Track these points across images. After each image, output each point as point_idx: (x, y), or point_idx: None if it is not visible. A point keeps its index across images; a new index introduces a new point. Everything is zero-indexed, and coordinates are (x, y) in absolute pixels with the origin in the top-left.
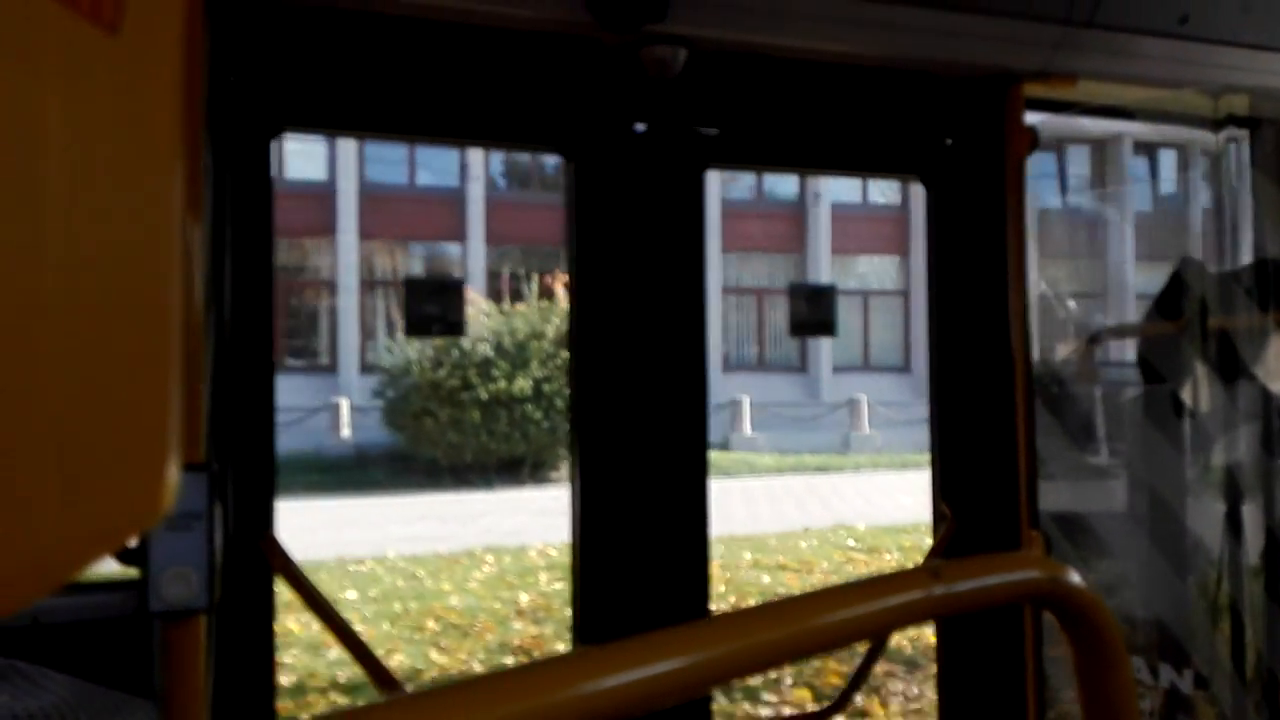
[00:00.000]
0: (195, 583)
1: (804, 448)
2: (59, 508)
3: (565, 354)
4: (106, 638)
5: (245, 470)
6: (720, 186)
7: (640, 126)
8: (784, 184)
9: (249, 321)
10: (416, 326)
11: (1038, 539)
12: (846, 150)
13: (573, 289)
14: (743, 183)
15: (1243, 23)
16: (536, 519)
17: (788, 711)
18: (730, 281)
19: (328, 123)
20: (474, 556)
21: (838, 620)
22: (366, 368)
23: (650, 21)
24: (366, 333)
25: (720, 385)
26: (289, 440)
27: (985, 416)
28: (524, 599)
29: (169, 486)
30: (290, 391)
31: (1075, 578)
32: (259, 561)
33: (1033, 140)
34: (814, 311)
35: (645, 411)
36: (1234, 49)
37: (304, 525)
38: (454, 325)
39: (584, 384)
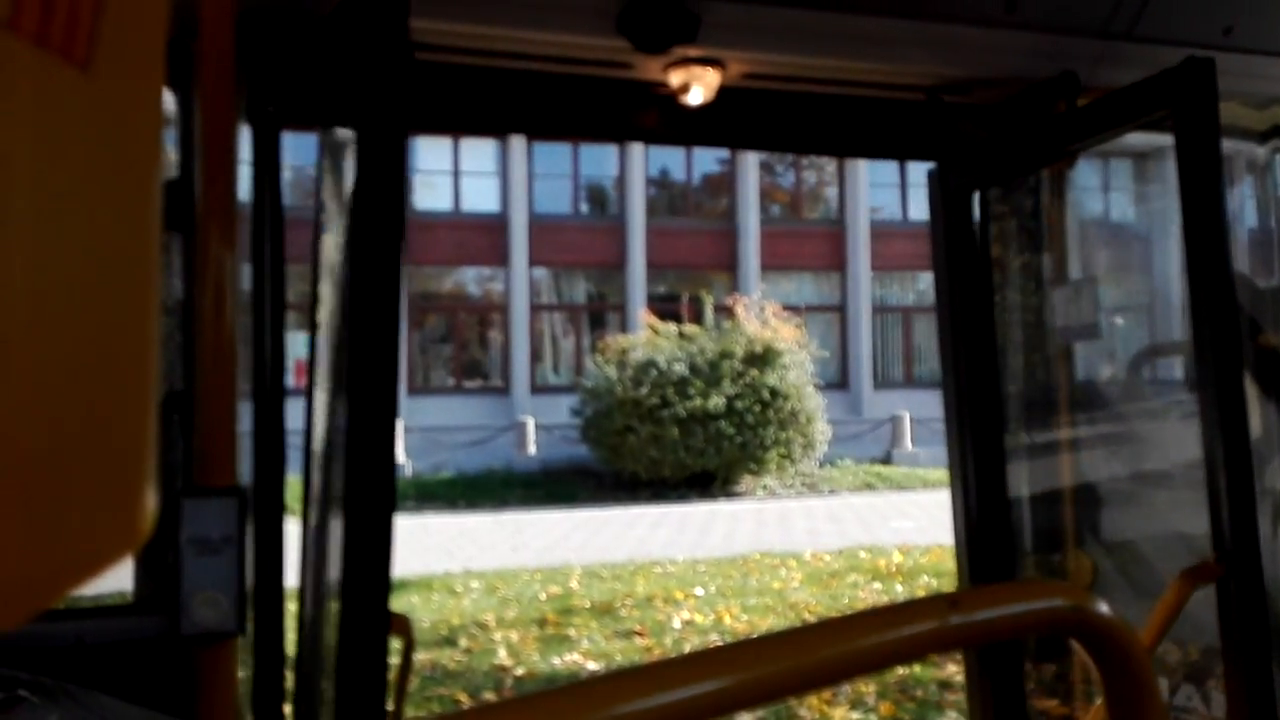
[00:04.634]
0: (226, 606)
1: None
2: (23, 539)
3: (754, 372)
4: (150, 659)
5: (362, 528)
6: (758, 207)
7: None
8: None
9: (367, 351)
10: None
11: (1084, 559)
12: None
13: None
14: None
15: None
16: (767, 530)
17: None
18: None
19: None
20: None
21: (849, 651)
22: (537, 388)
23: (680, 43)
24: (535, 355)
25: None
26: (479, 458)
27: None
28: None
29: (145, 515)
30: (468, 412)
31: (1102, 606)
32: (375, 620)
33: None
34: (1078, 314)
35: None
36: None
37: (553, 534)
38: None
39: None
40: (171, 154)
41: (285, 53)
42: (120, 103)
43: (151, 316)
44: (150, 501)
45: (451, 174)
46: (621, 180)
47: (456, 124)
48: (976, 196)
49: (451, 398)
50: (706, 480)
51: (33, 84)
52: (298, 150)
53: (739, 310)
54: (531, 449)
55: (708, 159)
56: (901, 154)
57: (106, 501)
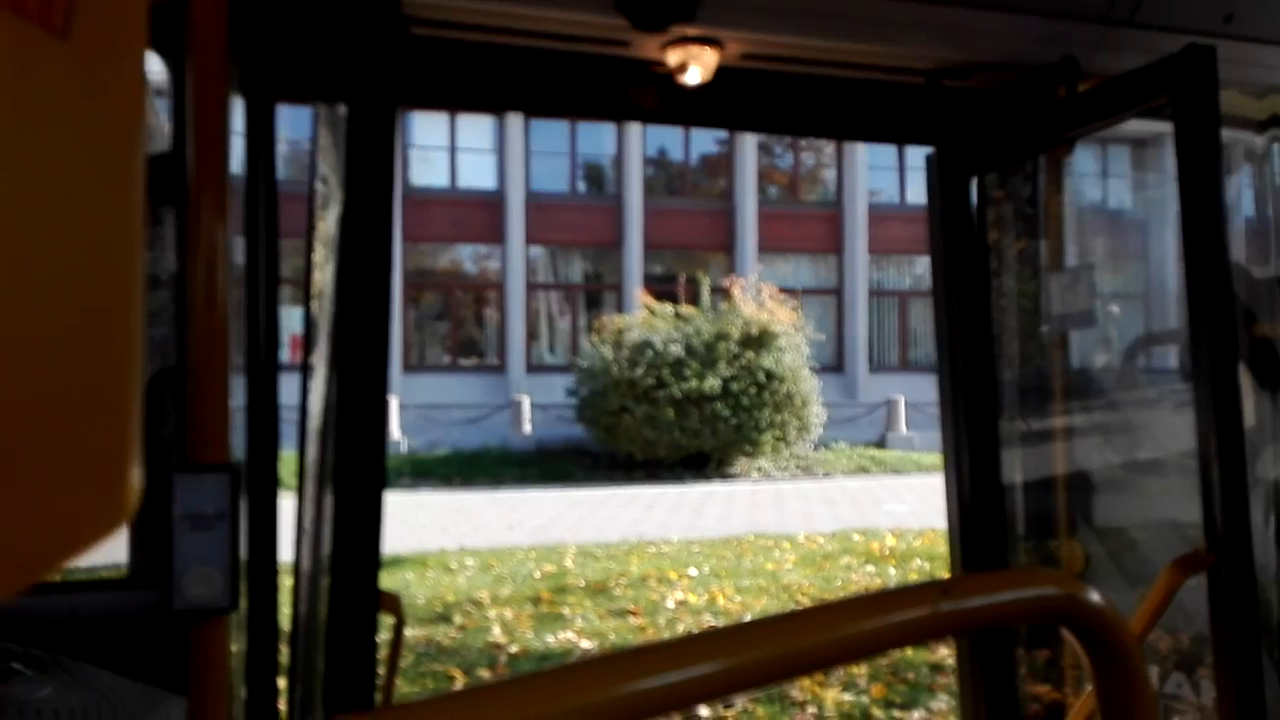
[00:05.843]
0: (219, 582)
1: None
2: (7, 516)
3: (750, 354)
4: (143, 633)
5: (351, 505)
6: (755, 188)
7: None
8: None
9: (357, 327)
10: None
11: (1076, 546)
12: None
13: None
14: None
15: None
16: (761, 511)
17: None
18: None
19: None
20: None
21: (841, 636)
22: (533, 367)
23: (679, 21)
24: (531, 334)
25: None
26: (476, 436)
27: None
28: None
29: (130, 492)
30: (463, 390)
31: (1094, 594)
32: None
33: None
34: (1074, 300)
35: None
36: (1279, 48)
37: (555, 513)
38: None
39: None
40: (164, 127)
41: (280, 25)
42: (100, 71)
43: (135, 291)
44: (136, 478)
45: (448, 150)
46: (619, 159)
47: (452, 100)
48: (975, 181)
49: (447, 375)
50: (701, 461)
51: (9, 52)
52: (295, 123)
53: (735, 292)
54: (527, 428)
55: (706, 139)
56: (900, 138)
57: (92, 479)
